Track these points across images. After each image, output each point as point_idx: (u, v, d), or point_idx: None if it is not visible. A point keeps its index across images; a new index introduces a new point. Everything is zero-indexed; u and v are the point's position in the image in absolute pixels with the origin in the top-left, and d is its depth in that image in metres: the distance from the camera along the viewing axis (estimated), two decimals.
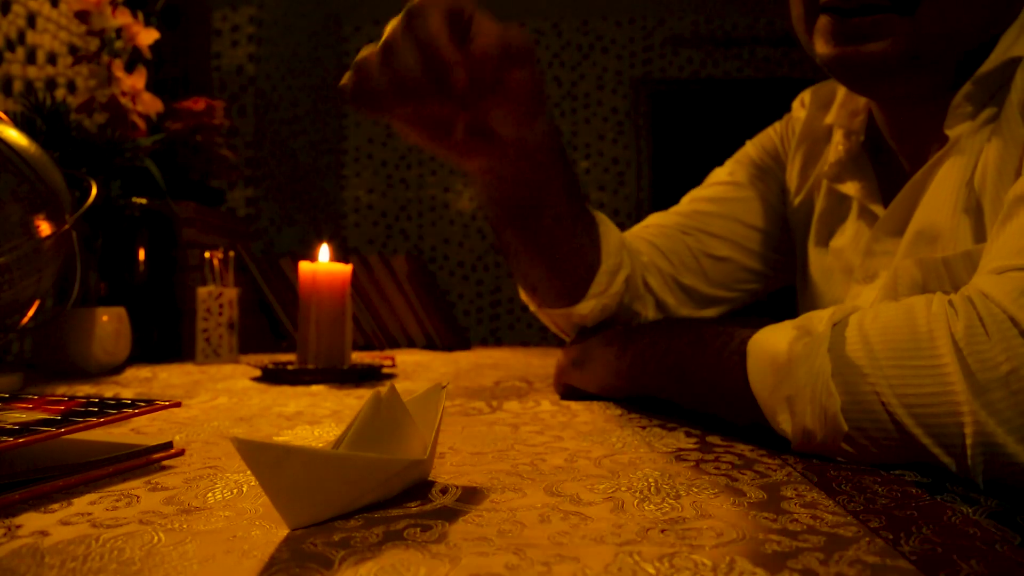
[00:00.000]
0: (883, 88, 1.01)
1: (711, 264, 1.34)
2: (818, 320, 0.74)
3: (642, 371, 0.98)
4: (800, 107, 1.34)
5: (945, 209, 0.95)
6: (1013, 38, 0.93)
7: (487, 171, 0.98)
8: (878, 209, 1.10)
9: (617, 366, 1.04)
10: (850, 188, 1.15)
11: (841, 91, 1.20)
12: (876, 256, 1.05)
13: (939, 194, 0.96)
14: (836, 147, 1.19)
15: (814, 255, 1.24)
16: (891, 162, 1.12)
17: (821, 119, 1.26)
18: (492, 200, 1.04)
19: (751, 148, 1.42)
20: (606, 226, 1.16)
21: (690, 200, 1.41)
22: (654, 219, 1.40)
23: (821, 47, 0.99)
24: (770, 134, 1.41)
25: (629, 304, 1.23)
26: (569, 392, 1.14)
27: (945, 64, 0.96)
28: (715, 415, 0.87)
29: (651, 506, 0.57)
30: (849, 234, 1.16)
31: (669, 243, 1.33)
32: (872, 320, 0.71)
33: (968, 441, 0.63)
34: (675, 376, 0.92)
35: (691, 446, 0.78)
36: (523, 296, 1.23)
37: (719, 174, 1.42)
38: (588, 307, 1.13)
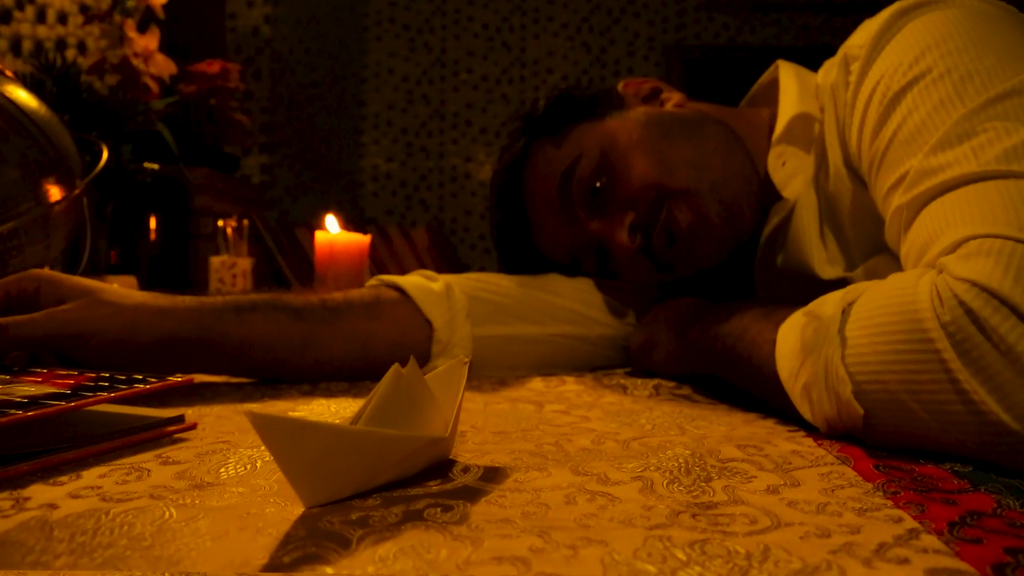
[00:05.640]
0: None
1: None
2: (831, 303, 0.74)
3: (696, 356, 1.02)
4: None
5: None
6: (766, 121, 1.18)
7: None
8: None
9: (679, 351, 1.07)
10: None
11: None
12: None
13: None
14: None
15: None
16: None
17: None
18: None
19: None
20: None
21: None
22: None
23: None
24: None
25: None
26: (641, 371, 1.16)
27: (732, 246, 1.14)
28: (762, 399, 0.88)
29: (681, 488, 0.57)
30: None
31: None
32: (866, 303, 0.71)
33: (975, 428, 0.63)
34: (723, 362, 0.94)
35: (724, 428, 0.78)
36: None
37: None
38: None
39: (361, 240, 1.61)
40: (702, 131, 1.15)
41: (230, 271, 1.90)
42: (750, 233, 1.14)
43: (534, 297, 1.19)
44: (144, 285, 1.75)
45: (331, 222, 1.65)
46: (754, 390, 0.88)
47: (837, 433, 0.73)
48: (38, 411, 0.61)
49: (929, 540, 0.46)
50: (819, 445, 0.70)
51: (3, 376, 0.76)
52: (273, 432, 0.50)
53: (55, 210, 1.17)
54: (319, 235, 1.60)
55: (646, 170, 1.10)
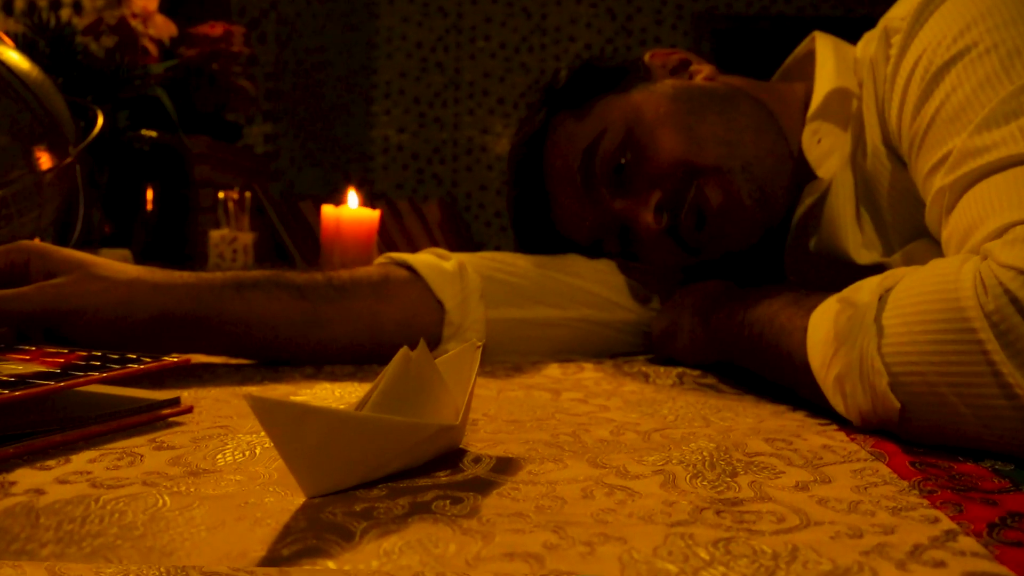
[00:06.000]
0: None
1: None
2: (867, 289, 0.74)
3: (722, 343, 1.02)
4: None
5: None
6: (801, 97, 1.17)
7: None
8: None
9: (704, 338, 1.07)
10: None
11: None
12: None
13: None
14: None
15: None
16: None
17: None
18: None
19: None
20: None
21: None
22: None
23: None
24: None
25: None
26: (663, 359, 1.16)
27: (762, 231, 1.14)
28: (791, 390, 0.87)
29: (705, 483, 0.57)
30: None
31: None
32: (904, 290, 0.70)
33: (1019, 424, 0.63)
34: (751, 349, 0.94)
35: (752, 421, 0.78)
36: None
37: None
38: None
39: (370, 215, 1.61)
40: (734, 106, 1.14)
41: (230, 246, 1.90)
42: (783, 215, 1.14)
43: (552, 278, 1.18)
44: (139, 259, 1.75)
45: (352, 199, 1.64)
46: (783, 380, 0.88)
47: (871, 427, 0.73)
48: (25, 391, 0.62)
49: (967, 542, 0.46)
50: (852, 440, 0.70)
51: None
52: (273, 417, 0.50)
53: (47, 178, 1.17)
54: (326, 209, 1.60)
55: (674, 146, 1.10)
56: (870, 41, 1.03)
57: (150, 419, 0.72)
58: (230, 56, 2.29)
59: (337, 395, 0.87)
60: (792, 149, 1.13)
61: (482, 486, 0.56)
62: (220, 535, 0.46)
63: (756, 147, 1.11)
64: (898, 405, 0.68)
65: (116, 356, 0.76)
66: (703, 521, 0.49)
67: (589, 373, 1.04)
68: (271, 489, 0.54)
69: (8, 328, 0.90)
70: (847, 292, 0.76)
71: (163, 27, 2.15)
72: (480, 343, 0.73)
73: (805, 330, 0.80)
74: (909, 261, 0.98)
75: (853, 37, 1.14)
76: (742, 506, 0.52)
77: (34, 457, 0.61)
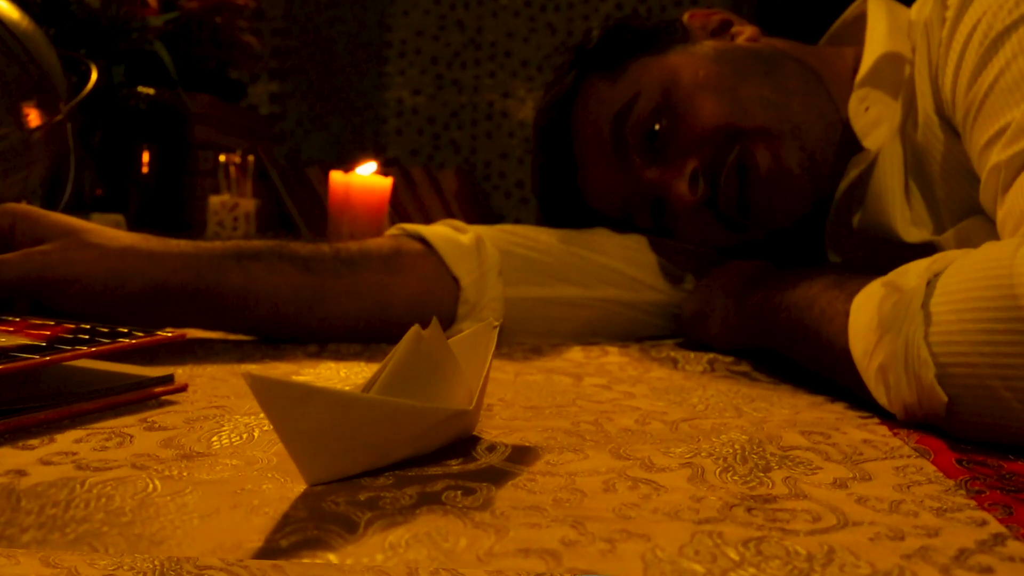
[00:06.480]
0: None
1: None
2: (914, 273, 0.73)
3: (757, 328, 1.01)
4: None
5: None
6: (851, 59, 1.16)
7: None
8: None
9: (737, 322, 1.06)
10: None
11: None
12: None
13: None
14: None
15: None
16: None
17: None
18: None
19: None
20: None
21: None
22: None
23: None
24: None
25: None
26: (693, 344, 1.15)
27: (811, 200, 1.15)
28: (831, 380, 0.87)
29: (736, 478, 0.56)
30: None
31: None
32: (955, 274, 0.69)
33: None
34: (788, 335, 0.93)
35: (787, 412, 0.78)
36: None
37: None
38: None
39: (381, 183, 1.61)
40: (779, 69, 1.14)
41: (231, 213, 1.91)
42: (830, 188, 1.13)
43: (576, 255, 1.18)
44: (133, 225, 1.76)
45: (368, 167, 1.64)
46: (822, 369, 0.87)
47: (916, 421, 0.72)
48: (8, 365, 0.62)
49: (1016, 547, 0.46)
50: (894, 435, 0.70)
51: None
52: (274, 398, 0.50)
53: (35, 137, 1.17)
54: (334, 176, 1.60)
55: (716, 110, 1.10)
56: (925, 3, 1.02)
57: (141, 397, 0.72)
58: (234, 9, 2.29)
59: (342, 375, 0.88)
60: (842, 116, 1.12)
61: (496, 476, 0.55)
62: (214, 523, 0.46)
63: (805, 112, 1.10)
64: (945, 398, 0.68)
65: (106, 329, 0.76)
66: (733, 519, 0.49)
67: (614, 357, 1.04)
68: (269, 475, 0.54)
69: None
70: (892, 276, 0.75)
71: None
72: (497, 323, 0.72)
73: (847, 315, 0.79)
74: (962, 241, 0.98)
75: None
76: (775, 503, 0.52)
77: (16, 436, 0.61)
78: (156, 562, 0.41)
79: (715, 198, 1.10)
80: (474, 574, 0.41)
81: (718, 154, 1.09)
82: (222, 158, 1.97)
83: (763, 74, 1.12)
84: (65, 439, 0.61)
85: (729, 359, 1.03)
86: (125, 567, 0.41)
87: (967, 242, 0.85)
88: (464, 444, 0.62)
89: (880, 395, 0.75)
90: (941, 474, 0.59)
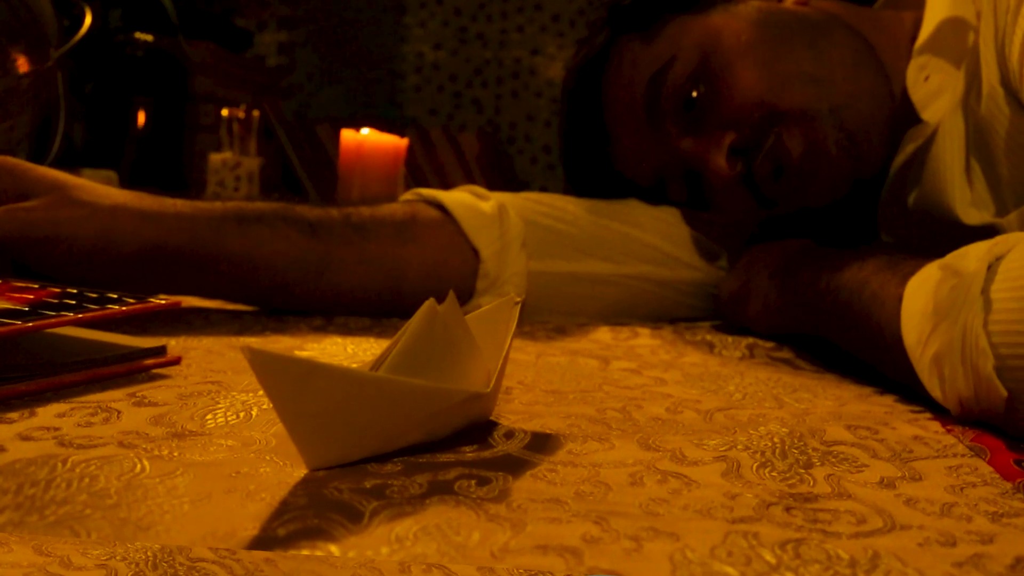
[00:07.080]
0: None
1: None
2: (974, 256, 0.72)
3: (801, 311, 1.01)
4: None
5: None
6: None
7: None
8: None
9: (780, 304, 1.06)
10: None
11: None
12: None
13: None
14: None
15: None
16: None
17: None
18: None
19: None
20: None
21: None
22: None
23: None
24: None
25: None
26: (731, 327, 1.15)
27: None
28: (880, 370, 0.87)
29: (774, 474, 0.56)
30: None
31: None
32: (1018, 258, 0.69)
33: None
34: (835, 320, 0.93)
35: (832, 404, 0.77)
36: None
37: None
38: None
39: (396, 143, 1.61)
40: (827, 36, 1.13)
41: (233, 172, 1.91)
42: (879, 165, 1.13)
43: (606, 227, 1.18)
44: (127, 182, 1.76)
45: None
46: (871, 358, 0.87)
47: (972, 417, 0.72)
48: None
49: None
50: (948, 431, 0.69)
51: None
52: (274, 374, 0.50)
53: (23, 84, 1.17)
54: (345, 134, 1.60)
55: (754, 84, 1.09)
56: None
57: (130, 370, 0.72)
58: None
59: (349, 352, 0.88)
60: (894, 89, 1.12)
61: (514, 465, 0.56)
62: (206, 509, 0.46)
63: (849, 86, 1.10)
64: (1004, 393, 0.67)
65: (94, 295, 0.76)
66: (770, 518, 0.49)
67: (644, 340, 1.04)
68: (267, 458, 0.54)
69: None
70: (950, 258, 0.75)
71: None
72: (519, 299, 0.72)
73: (899, 300, 0.79)
74: None
75: None
76: (816, 503, 0.52)
77: None
78: (149, 552, 0.41)
79: (750, 175, 1.10)
80: (475, 573, 0.41)
81: (752, 136, 1.09)
82: (224, 112, 1.97)
83: (808, 43, 1.12)
84: (47, 413, 0.61)
85: (770, 345, 1.03)
86: (118, 557, 0.41)
87: None
88: (480, 430, 0.62)
89: (933, 387, 0.74)
90: (998, 476, 0.59)
